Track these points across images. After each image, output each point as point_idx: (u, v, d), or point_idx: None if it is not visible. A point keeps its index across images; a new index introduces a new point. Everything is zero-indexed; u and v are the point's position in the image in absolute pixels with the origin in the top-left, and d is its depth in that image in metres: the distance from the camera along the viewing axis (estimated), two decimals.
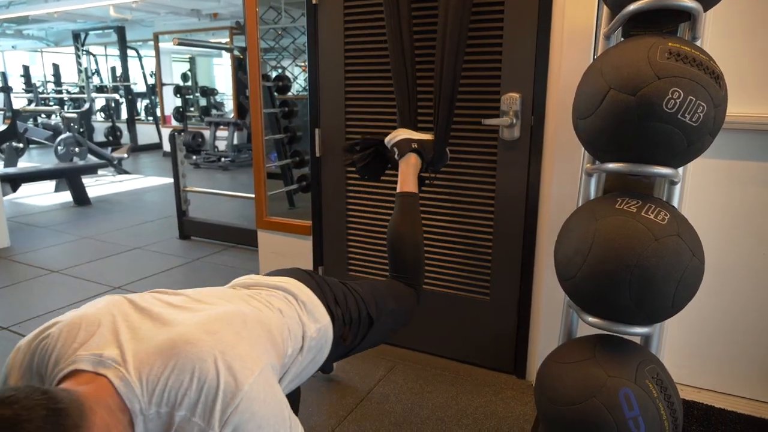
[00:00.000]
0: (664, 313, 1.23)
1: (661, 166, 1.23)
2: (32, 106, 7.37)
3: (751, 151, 1.70)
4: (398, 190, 1.77)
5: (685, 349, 1.90)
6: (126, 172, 6.76)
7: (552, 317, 1.90)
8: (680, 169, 1.34)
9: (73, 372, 0.80)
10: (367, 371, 2.07)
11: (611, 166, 1.29)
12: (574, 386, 1.28)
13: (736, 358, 1.84)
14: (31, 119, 6.76)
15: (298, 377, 1.19)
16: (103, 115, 10.17)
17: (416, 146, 1.79)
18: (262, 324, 1.02)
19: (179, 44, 2.79)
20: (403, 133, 1.81)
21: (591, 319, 1.32)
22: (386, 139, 1.84)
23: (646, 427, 1.20)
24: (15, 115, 4.70)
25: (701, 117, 1.15)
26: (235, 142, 7.62)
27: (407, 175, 1.78)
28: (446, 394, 1.93)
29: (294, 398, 1.60)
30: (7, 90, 6.23)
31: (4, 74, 6.93)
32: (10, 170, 4.07)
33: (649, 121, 1.16)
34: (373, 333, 1.42)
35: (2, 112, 6.85)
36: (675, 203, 1.39)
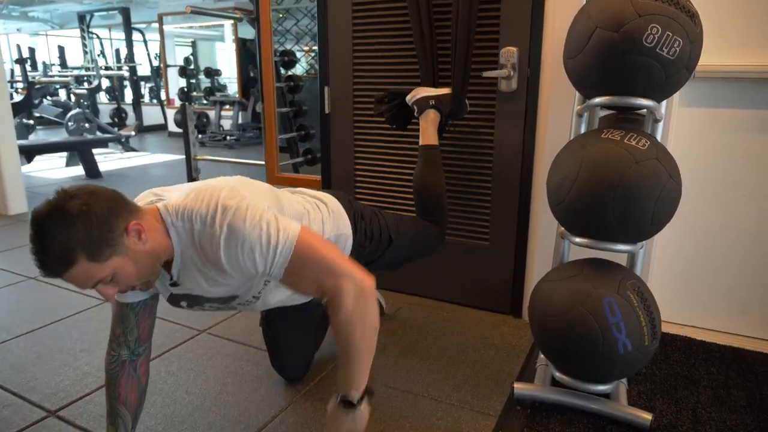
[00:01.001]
0: (644, 230, 1.38)
1: (643, 98, 1.37)
2: (46, 78, 7.57)
3: (734, 99, 1.83)
4: (420, 143, 1.95)
5: (669, 287, 2.04)
6: (133, 150, 6.89)
7: (546, 259, 2.04)
8: (662, 106, 1.47)
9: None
10: None
11: (597, 100, 1.43)
12: (562, 298, 1.43)
13: (717, 295, 1.99)
14: (41, 97, 6.91)
15: None
16: (108, 96, 10.27)
17: (434, 102, 1.95)
18: (277, 198, 1.29)
19: (192, 12, 2.91)
20: (421, 92, 1.98)
21: (578, 239, 1.47)
22: (407, 98, 2.01)
23: (627, 331, 1.35)
24: (30, 87, 4.82)
25: (677, 51, 1.29)
26: (240, 121, 7.74)
27: (427, 130, 1.95)
28: (447, 329, 2.08)
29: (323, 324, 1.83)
30: (22, 62, 6.37)
31: (24, 49, 7.14)
32: (26, 142, 4.20)
33: (630, 55, 1.30)
34: (391, 252, 1.65)
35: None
36: (659, 140, 1.52)
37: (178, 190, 1.22)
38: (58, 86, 8.18)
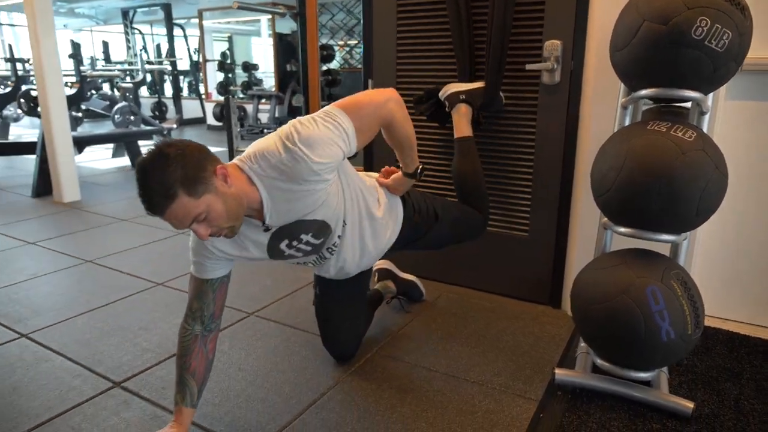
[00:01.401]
0: (689, 221, 1.39)
1: (690, 90, 1.38)
2: (97, 72, 7.93)
3: None
4: (455, 137, 2.03)
5: (712, 281, 2.04)
6: None
7: (586, 251, 2.06)
8: (709, 98, 1.48)
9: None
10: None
11: (644, 92, 1.45)
12: (606, 286, 1.46)
13: (762, 290, 1.98)
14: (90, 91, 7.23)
15: (383, 217, 1.60)
16: (149, 90, 10.58)
17: (464, 97, 2.02)
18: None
19: (239, 7, 3.01)
20: (451, 87, 2.06)
21: (623, 229, 1.49)
22: (439, 94, 2.08)
23: (670, 319, 1.38)
24: (83, 80, 5.05)
25: (726, 43, 1.30)
26: (277, 114, 7.88)
27: (460, 123, 2.03)
28: (486, 318, 2.12)
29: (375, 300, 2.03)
30: (76, 57, 6.66)
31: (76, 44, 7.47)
32: (77, 133, 4.41)
33: (678, 48, 1.32)
34: (438, 229, 1.77)
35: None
36: (704, 131, 1.53)
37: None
38: (102, 80, 8.49)
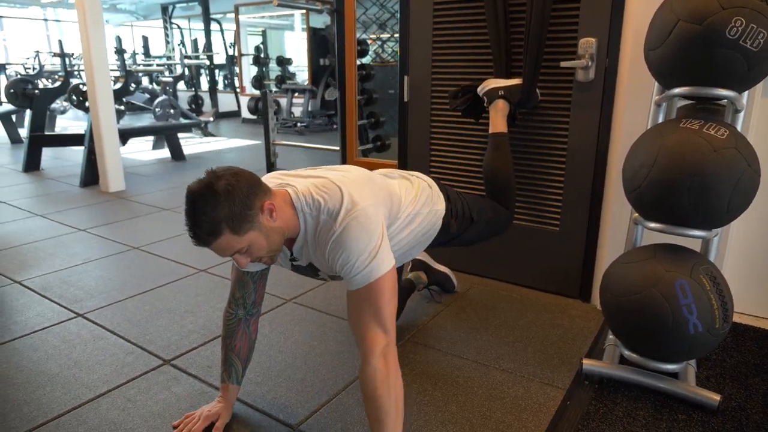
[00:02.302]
0: (720, 217, 1.42)
1: (724, 89, 1.41)
2: (142, 67, 8.20)
3: None
4: (490, 131, 2.07)
5: (744, 278, 2.04)
6: (211, 135, 7.32)
7: (617, 246, 2.09)
8: (744, 97, 1.50)
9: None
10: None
11: (677, 90, 1.48)
12: (635, 280, 1.50)
13: None
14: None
15: (410, 244, 1.57)
16: (186, 84, 10.87)
17: (503, 93, 2.07)
18: (386, 187, 1.46)
19: (279, 5, 3.11)
20: (491, 83, 2.10)
21: (653, 224, 1.53)
22: (477, 90, 2.13)
23: (698, 312, 1.41)
24: (128, 75, 5.26)
25: (761, 43, 1.32)
26: (310, 108, 8.01)
27: (496, 118, 2.07)
28: (516, 310, 2.18)
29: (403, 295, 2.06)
30: (121, 52, 6.92)
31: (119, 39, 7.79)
32: (121, 126, 4.60)
33: (713, 47, 1.34)
34: (471, 230, 1.79)
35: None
36: (739, 130, 1.54)
37: (299, 176, 1.37)
38: (142, 74, 8.79)
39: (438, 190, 1.69)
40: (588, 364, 1.67)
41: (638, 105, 1.95)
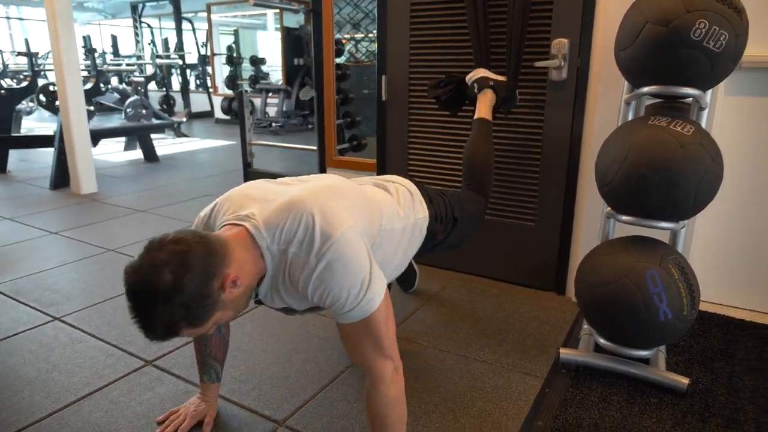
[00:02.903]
0: (686, 210, 1.50)
1: (689, 87, 1.48)
2: (113, 67, 8.02)
3: None
4: (475, 117, 2.06)
5: (709, 268, 2.14)
6: (185, 135, 7.23)
7: (590, 240, 2.16)
8: (708, 95, 1.58)
9: (225, 225, 1.16)
10: (422, 286, 2.39)
11: (646, 89, 1.54)
12: (608, 270, 1.57)
13: (756, 277, 2.08)
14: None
15: (397, 260, 1.47)
16: (156, 85, 10.69)
17: (492, 83, 2.10)
18: (362, 196, 1.30)
19: (255, 4, 3.10)
20: (482, 72, 2.12)
21: (625, 217, 1.59)
22: (467, 77, 2.15)
23: (668, 300, 1.48)
24: (99, 75, 5.16)
25: (723, 44, 1.40)
26: (285, 108, 7.98)
27: (483, 104, 2.07)
28: (494, 304, 2.23)
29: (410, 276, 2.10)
30: (91, 51, 6.77)
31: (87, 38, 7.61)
32: (93, 127, 4.52)
33: (678, 48, 1.41)
34: (457, 231, 1.74)
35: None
36: (703, 127, 1.62)
37: (260, 199, 1.18)
38: (112, 74, 8.62)
39: (420, 195, 1.59)
40: (564, 353, 1.72)
41: (608, 103, 2.02)
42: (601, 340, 1.70)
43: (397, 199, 1.49)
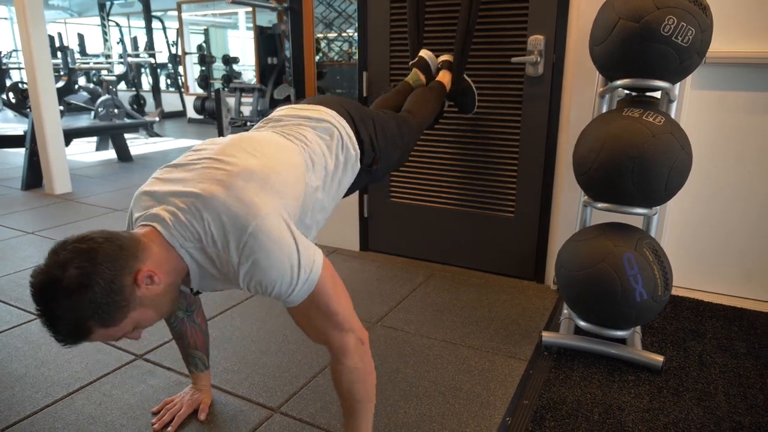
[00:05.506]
0: (659, 196, 1.58)
1: (659, 80, 1.57)
2: (86, 65, 7.84)
3: (739, 82, 2.02)
4: (435, 80, 2.09)
5: (680, 255, 2.25)
6: (157, 135, 7.13)
7: (568, 229, 2.25)
8: (676, 88, 1.67)
9: (139, 225, 1.07)
10: (407, 278, 2.45)
11: (619, 82, 1.63)
12: (587, 255, 1.65)
13: (725, 262, 2.20)
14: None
15: (328, 209, 1.36)
16: (125, 84, 10.50)
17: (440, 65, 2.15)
18: (281, 164, 1.14)
19: (232, 2, 3.09)
20: (443, 58, 2.17)
21: (601, 205, 1.68)
22: (438, 61, 2.16)
23: (643, 281, 1.57)
24: (71, 73, 5.05)
25: (690, 39, 1.49)
26: (259, 107, 7.93)
27: (444, 78, 2.11)
28: (477, 293, 2.30)
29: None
30: (63, 49, 6.61)
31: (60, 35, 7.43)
32: (66, 126, 4.43)
33: (649, 43, 1.50)
34: (386, 157, 1.57)
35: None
36: (672, 117, 1.72)
37: (166, 193, 1.07)
38: (80, 73, 8.44)
39: (347, 128, 1.41)
40: (547, 336, 1.80)
41: (584, 97, 2.11)
42: (581, 323, 1.78)
43: (319, 144, 1.32)
